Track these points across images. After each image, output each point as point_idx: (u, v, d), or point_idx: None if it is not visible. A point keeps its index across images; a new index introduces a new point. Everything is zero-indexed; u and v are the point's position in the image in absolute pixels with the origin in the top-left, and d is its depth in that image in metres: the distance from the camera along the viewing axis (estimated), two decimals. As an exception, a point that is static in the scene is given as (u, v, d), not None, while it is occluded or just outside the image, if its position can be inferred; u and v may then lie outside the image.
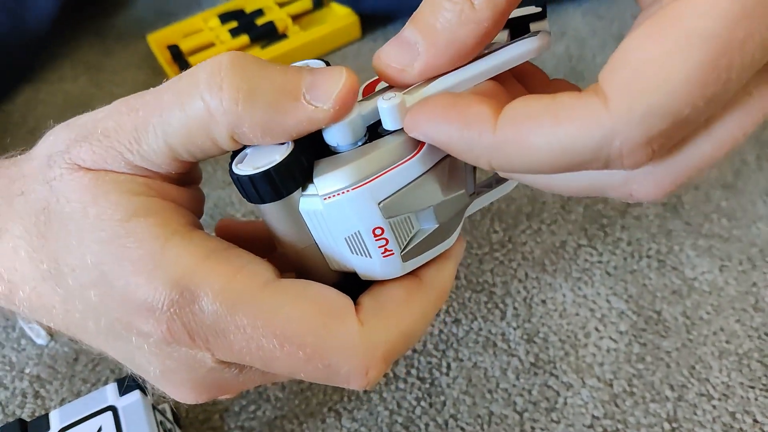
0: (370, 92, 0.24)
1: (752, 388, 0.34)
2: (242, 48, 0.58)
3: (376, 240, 0.23)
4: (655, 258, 0.40)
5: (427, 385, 0.35)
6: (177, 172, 0.23)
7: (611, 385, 0.35)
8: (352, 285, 0.25)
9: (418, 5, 0.21)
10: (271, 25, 0.58)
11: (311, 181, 0.22)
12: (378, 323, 0.23)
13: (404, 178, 0.22)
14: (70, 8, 0.61)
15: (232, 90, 0.20)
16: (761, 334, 0.36)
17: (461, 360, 0.36)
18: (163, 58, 0.57)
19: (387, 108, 0.21)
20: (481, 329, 0.37)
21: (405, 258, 0.24)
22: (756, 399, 0.34)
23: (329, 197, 0.22)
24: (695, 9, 0.16)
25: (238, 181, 0.22)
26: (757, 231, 0.40)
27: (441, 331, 0.38)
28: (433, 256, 0.25)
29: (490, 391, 0.35)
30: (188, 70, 0.22)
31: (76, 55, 0.62)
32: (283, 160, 0.21)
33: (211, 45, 0.58)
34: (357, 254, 0.23)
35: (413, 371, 0.36)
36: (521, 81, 0.25)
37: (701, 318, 0.37)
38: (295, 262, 0.25)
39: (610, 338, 0.36)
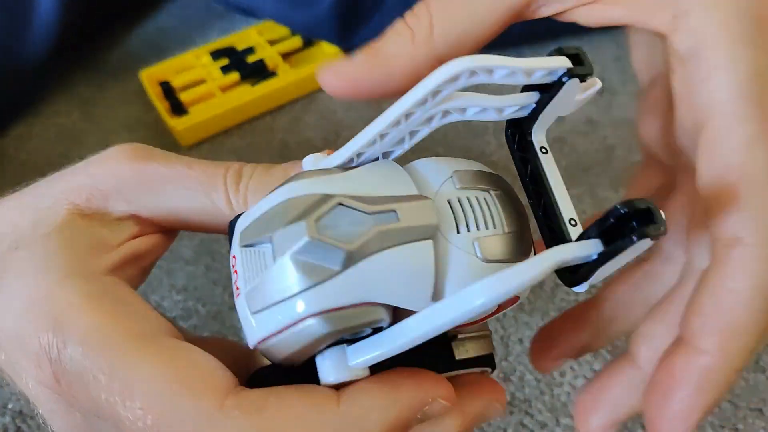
0: None
1: (722, 427, 0.35)
2: (232, 84, 0.59)
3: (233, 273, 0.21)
4: (629, 298, 0.41)
5: (405, 423, 0.36)
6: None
7: (585, 425, 0.35)
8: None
9: None
10: (261, 63, 0.60)
11: None
12: (242, 417, 0.20)
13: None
14: (65, 44, 0.62)
15: (244, 187, 0.24)
16: (732, 374, 0.37)
17: (438, 398, 0.37)
18: (154, 93, 0.59)
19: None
20: (458, 367, 0.38)
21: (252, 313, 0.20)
22: (726, 439, 0.34)
23: None
24: (730, 126, 0.19)
25: None
26: (729, 272, 0.41)
27: (419, 369, 0.38)
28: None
29: (466, 430, 0.36)
30: (216, 162, 0.24)
31: (69, 89, 0.63)
32: None
33: (202, 81, 0.60)
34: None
35: (391, 409, 0.37)
36: None
37: (674, 358, 0.38)
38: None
39: (585, 377, 0.37)
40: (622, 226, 0.17)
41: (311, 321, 0.18)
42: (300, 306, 0.18)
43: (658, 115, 0.25)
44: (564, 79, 0.19)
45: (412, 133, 0.21)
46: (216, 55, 0.62)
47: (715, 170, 0.19)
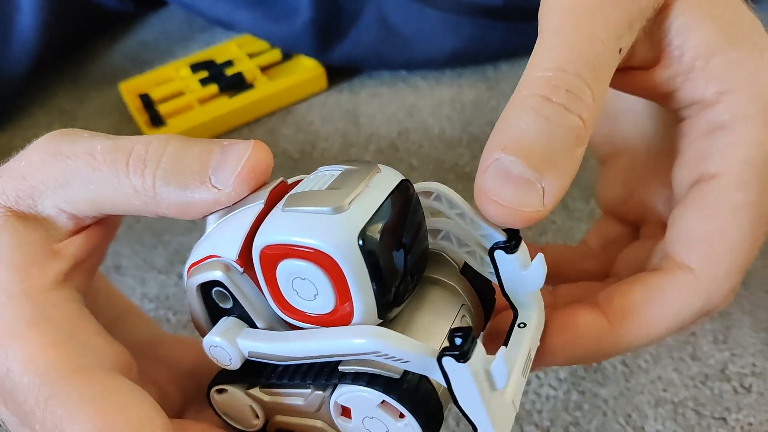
0: (280, 193, 0.22)
1: (685, 436, 0.35)
2: (211, 97, 0.59)
3: None
4: (597, 307, 0.41)
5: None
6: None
7: (549, 433, 0.35)
8: None
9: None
10: (239, 76, 0.60)
11: None
12: None
13: None
14: (46, 58, 0.62)
15: (150, 176, 0.22)
16: (697, 383, 0.37)
17: (404, 407, 0.37)
18: (134, 105, 0.59)
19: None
20: (426, 376, 0.38)
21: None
22: (689, 447, 0.35)
23: None
24: (729, 187, 0.23)
25: None
26: (695, 281, 0.42)
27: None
28: None
29: (431, 438, 0.36)
30: (122, 143, 0.23)
31: (50, 101, 0.64)
32: None
33: (180, 94, 0.60)
34: None
35: None
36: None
37: (639, 366, 0.38)
38: None
39: (550, 385, 0.37)
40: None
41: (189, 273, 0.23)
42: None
43: (618, 185, 0.30)
44: (494, 250, 0.21)
45: None
46: (195, 67, 0.62)
47: (701, 212, 0.23)
